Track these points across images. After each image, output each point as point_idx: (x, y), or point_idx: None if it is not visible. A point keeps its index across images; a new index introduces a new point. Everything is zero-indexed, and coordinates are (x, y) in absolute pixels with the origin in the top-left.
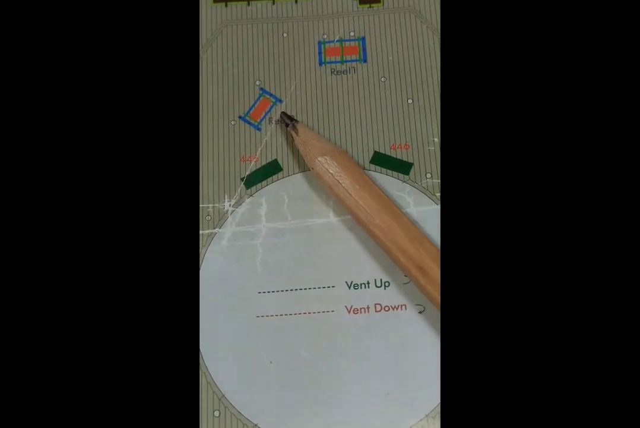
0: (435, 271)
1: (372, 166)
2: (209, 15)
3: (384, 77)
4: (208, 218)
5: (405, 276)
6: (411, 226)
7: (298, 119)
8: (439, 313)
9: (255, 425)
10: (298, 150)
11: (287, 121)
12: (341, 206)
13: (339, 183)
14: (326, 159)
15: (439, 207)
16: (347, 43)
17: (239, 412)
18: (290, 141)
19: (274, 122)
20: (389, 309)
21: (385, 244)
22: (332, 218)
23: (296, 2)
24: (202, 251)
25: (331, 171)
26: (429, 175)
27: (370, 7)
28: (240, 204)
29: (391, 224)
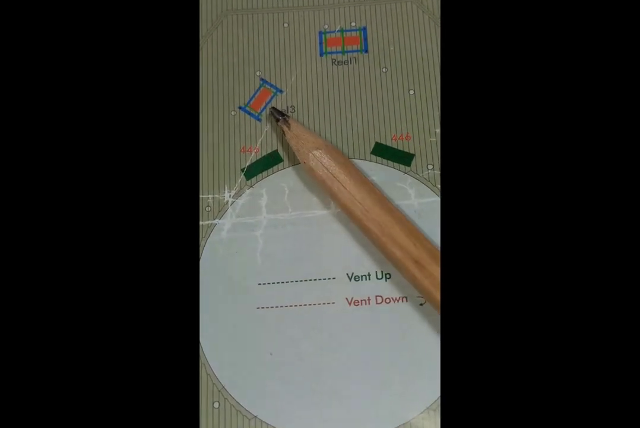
0: (433, 266)
1: (373, 157)
2: (209, 4)
3: (385, 67)
4: (208, 208)
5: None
6: (406, 221)
7: (298, 110)
8: (435, 309)
9: (255, 416)
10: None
11: (278, 115)
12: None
13: (334, 177)
14: (320, 153)
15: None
16: (348, 33)
17: (238, 403)
18: (281, 136)
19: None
20: (389, 301)
21: (381, 239)
22: (333, 209)
23: None
24: (201, 242)
25: (325, 165)
26: (430, 166)
27: None
28: (241, 195)
29: (387, 219)
